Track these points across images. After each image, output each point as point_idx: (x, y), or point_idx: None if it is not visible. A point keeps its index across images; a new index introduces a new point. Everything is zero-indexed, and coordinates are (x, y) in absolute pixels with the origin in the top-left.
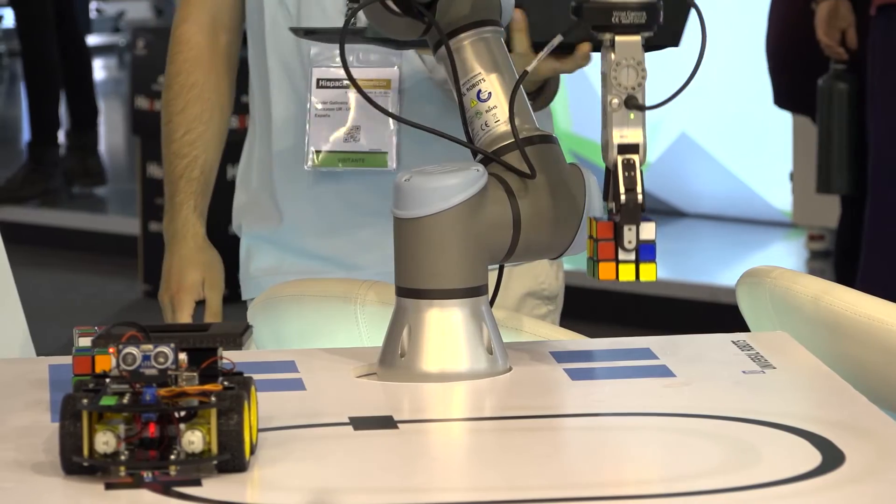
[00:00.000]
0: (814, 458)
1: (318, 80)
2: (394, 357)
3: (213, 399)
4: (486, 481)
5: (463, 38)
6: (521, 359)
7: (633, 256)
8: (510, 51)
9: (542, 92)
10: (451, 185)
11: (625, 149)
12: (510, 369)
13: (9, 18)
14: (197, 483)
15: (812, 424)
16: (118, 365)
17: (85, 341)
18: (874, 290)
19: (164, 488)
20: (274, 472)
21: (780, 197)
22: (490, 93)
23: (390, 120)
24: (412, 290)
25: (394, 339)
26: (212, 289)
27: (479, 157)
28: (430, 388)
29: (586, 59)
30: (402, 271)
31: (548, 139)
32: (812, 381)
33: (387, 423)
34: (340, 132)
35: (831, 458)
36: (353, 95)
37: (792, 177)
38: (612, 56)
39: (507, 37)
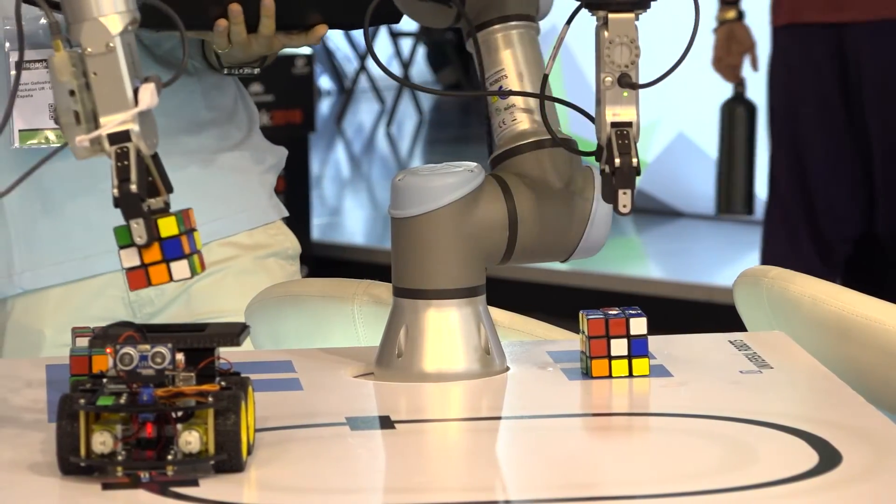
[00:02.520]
0: (811, 458)
1: (15, 62)
2: (391, 357)
3: (210, 399)
4: (484, 481)
5: (493, 30)
6: (519, 359)
7: (622, 326)
8: (254, 32)
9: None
10: (444, 184)
11: (618, 126)
12: (507, 369)
13: None
14: (194, 483)
15: (809, 424)
16: (115, 365)
17: (82, 342)
18: None
19: (161, 488)
20: (271, 473)
21: None
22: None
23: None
24: (409, 291)
25: (391, 340)
26: None
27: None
28: (428, 388)
29: (317, 41)
30: (399, 271)
31: (564, 142)
32: (809, 381)
33: (384, 423)
34: (46, 110)
35: (828, 458)
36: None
37: None
38: (606, 34)
39: (256, 20)
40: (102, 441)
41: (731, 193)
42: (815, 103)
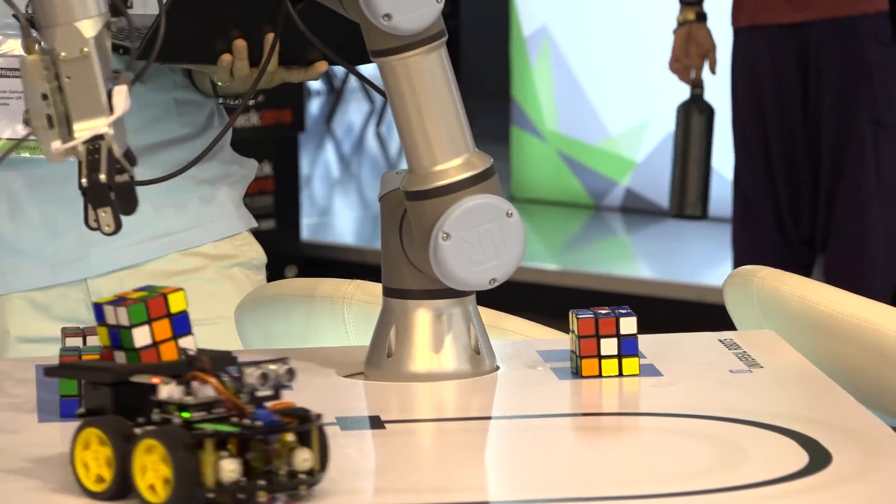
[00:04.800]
0: (801, 458)
1: None
2: (381, 357)
3: (313, 417)
4: (474, 482)
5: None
6: (509, 358)
7: None
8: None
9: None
10: (385, 178)
11: (90, 140)
12: (497, 369)
13: None
14: None
15: (799, 424)
16: (236, 390)
17: (72, 341)
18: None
19: None
20: None
21: None
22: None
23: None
24: (399, 291)
25: (381, 339)
26: None
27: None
28: (418, 388)
29: (316, 77)
30: (388, 271)
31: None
32: (799, 381)
33: (374, 423)
34: (20, 120)
35: (818, 458)
36: None
37: None
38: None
39: (259, 55)
40: (232, 469)
41: (685, 196)
42: (778, 105)
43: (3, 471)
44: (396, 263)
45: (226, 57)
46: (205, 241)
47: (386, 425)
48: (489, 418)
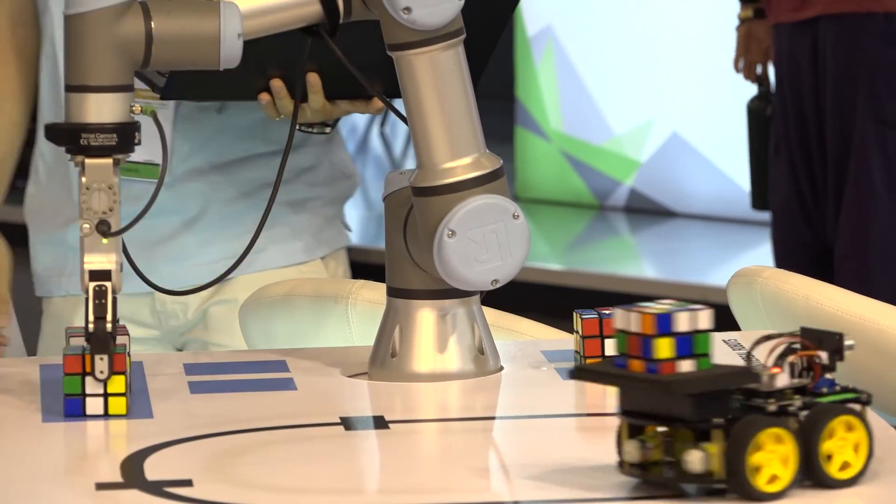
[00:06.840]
0: None
1: None
2: (385, 357)
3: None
4: (478, 482)
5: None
6: (513, 358)
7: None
8: (303, 101)
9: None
10: (390, 178)
11: (96, 275)
12: (501, 369)
13: None
14: (188, 484)
15: None
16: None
17: (76, 341)
18: None
19: (156, 489)
20: (264, 473)
21: None
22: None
23: (166, 134)
24: (403, 291)
25: (385, 339)
26: None
27: None
28: (422, 387)
29: (378, 111)
30: (392, 271)
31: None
32: None
33: (378, 423)
34: None
35: None
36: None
37: None
38: (83, 179)
39: (305, 96)
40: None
41: (762, 190)
42: (794, 104)
43: (7, 470)
44: (400, 263)
45: (264, 96)
46: (268, 267)
47: (390, 425)
48: (493, 418)
